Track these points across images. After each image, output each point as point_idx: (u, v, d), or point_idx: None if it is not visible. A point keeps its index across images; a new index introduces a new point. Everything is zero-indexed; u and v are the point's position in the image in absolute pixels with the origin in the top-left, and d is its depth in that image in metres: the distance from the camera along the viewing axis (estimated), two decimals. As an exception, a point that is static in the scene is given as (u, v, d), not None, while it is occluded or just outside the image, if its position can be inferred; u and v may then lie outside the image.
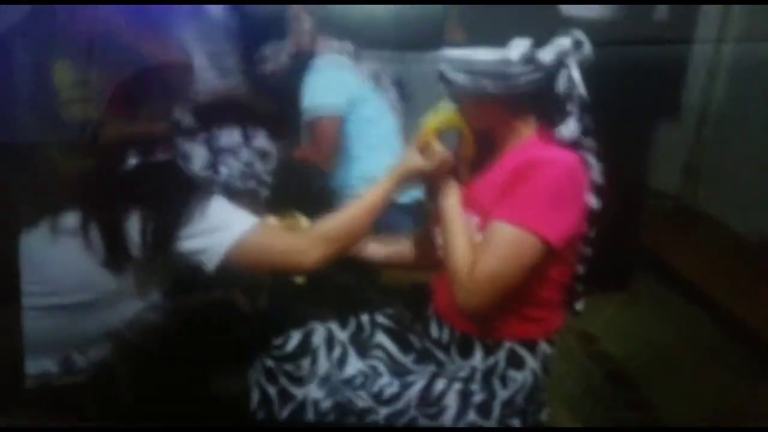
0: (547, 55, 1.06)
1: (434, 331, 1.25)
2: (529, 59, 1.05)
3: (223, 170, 1.20)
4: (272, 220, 1.35)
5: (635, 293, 2.61)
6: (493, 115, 1.15)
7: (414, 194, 1.93)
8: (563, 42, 1.07)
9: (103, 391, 1.11)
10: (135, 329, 1.12)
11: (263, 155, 1.23)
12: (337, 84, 2.02)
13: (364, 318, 1.31)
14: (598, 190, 1.12)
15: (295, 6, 1.98)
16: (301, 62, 2.04)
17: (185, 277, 1.15)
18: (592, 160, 1.11)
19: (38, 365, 1.11)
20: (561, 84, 1.08)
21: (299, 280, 1.35)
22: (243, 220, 1.10)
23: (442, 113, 1.19)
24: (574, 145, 1.09)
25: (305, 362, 1.20)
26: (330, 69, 2.04)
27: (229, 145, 1.19)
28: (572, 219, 1.07)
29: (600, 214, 1.13)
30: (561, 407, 1.86)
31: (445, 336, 1.22)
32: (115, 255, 1.04)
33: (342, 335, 1.26)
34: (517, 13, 1.08)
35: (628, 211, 2.45)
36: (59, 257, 1.07)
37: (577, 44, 1.08)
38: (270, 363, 1.20)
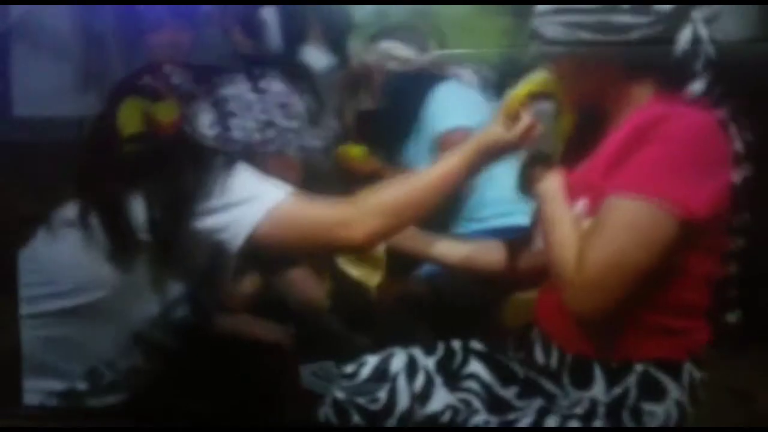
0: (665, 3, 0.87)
1: (539, 355, 1.01)
2: (643, 8, 0.86)
3: (235, 124, 1.04)
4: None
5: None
6: (598, 79, 0.94)
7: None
8: None
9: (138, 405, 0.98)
10: (160, 329, 0.98)
11: (282, 105, 1.07)
12: (467, 102, 1.80)
13: (455, 344, 1.10)
14: (742, 166, 0.87)
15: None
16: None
17: (210, 265, 1.02)
18: (732, 129, 0.87)
19: (62, 383, 1.00)
20: (683, 41, 0.87)
21: (372, 286, 1.17)
22: (273, 190, 0.95)
23: (535, 79, 1.00)
24: (706, 105, 0.87)
25: (381, 393, 1.00)
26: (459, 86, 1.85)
27: (236, 95, 1.04)
28: (712, 187, 0.83)
29: (748, 202, 0.88)
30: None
31: (554, 361, 0.98)
32: (121, 243, 0.93)
33: (427, 362, 1.05)
34: None
35: None
36: (63, 254, 0.97)
37: None
38: (340, 395, 1.01)
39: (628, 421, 0.90)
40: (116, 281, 0.97)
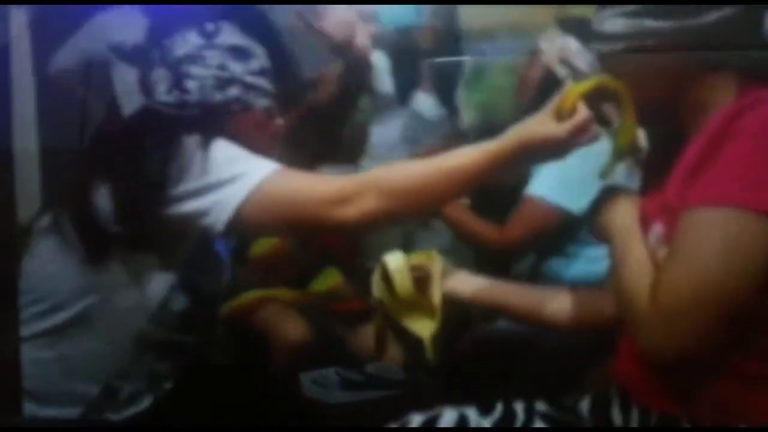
0: None
1: (616, 415, 0.84)
2: None
3: (191, 85, 0.93)
4: (398, 256, 1.01)
5: None
6: (668, 78, 0.80)
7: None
8: None
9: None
10: (163, 325, 0.93)
11: (238, 52, 0.95)
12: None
13: (518, 406, 0.95)
14: None
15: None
16: None
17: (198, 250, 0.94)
18: None
19: (79, 407, 0.94)
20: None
21: (426, 338, 1.02)
22: (257, 166, 0.87)
23: (594, 78, 0.88)
24: None
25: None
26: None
27: (187, 51, 0.94)
28: None
29: None
30: None
31: (635, 421, 0.81)
32: (94, 240, 0.88)
33: (482, 421, 0.91)
34: None
35: None
36: (44, 266, 0.94)
37: None
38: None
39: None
40: (102, 283, 0.92)
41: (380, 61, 2.01)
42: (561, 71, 1.39)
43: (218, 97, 0.95)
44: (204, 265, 1.02)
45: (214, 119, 0.94)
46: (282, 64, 1.02)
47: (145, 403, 0.99)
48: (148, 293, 0.95)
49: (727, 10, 0.75)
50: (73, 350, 0.94)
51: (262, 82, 0.99)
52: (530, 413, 0.93)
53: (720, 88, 0.78)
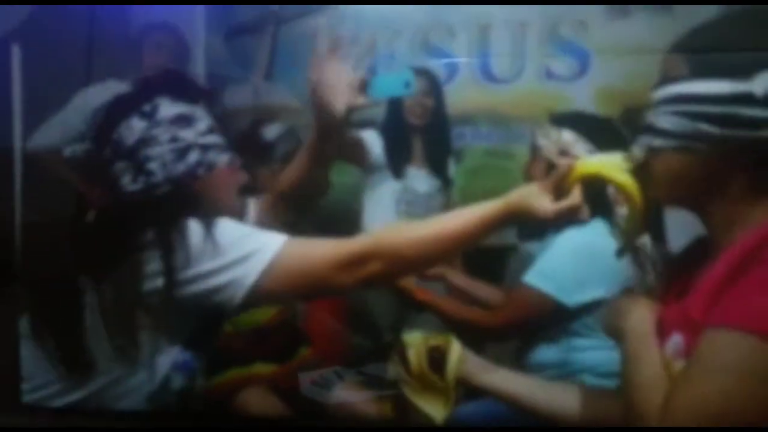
0: None
1: None
2: None
3: (153, 166, 0.95)
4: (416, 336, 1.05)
5: None
6: (707, 182, 0.76)
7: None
8: None
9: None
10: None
11: (181, 120, 0.97)
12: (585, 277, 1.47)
13: None
14: None
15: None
16: None
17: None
18: None
19: None
20: None
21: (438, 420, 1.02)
22: (266, 243, 0.91)
23: (607, 162, 0.86)
24: None
25: None
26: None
27: (137, 137, 0.95)
28: None
29: None
30: None
31: None
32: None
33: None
34: None
35: None
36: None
37: None
38: None
39: None
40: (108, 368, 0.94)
41: (370, 136, 1.99)
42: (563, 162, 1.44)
43: (181, 167, 0.98)
44: (206, 341, 1.04)
45: (187, 191, 0.98)
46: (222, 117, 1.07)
47: None
48: (153, 372, 0.97)
49: None
50: None
51: (215, 139, 1.02)
52: None
53: (760, 205, 0.74)
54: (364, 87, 1.61)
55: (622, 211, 1.44)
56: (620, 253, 0.91)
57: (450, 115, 2.26)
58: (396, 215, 2.01)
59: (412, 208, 2.02)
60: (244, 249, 0.90)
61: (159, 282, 0.90)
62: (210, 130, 1.02)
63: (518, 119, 2.81)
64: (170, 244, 0.90)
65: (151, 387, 0.96)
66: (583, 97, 2.80)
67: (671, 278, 0.87)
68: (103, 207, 0.99)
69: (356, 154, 1.96)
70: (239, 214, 1.07)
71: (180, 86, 1.03)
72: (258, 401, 1.37)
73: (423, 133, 2.03)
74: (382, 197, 2.03)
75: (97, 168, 1.00)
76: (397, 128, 1.98)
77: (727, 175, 0.74)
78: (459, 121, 2.73)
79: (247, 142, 1.79)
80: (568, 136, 1.43)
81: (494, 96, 2.78)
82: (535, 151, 1.50)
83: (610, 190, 1.43)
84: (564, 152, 1.42)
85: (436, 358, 1.05)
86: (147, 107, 0.99)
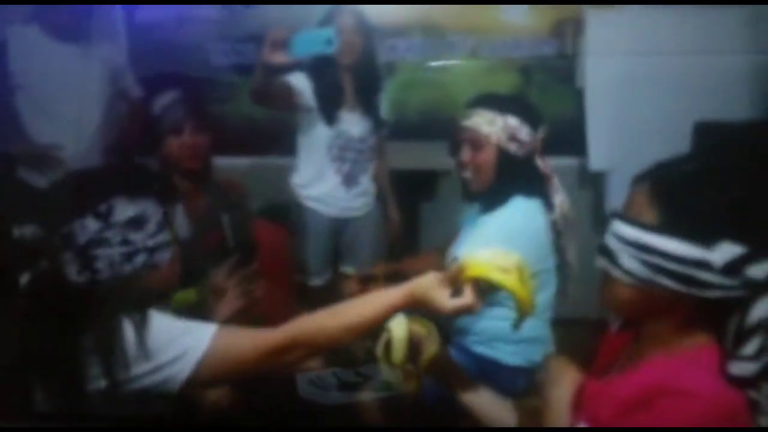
0: (759, 271, 0.78)
1: None
2: (735, 271, 0.78)
3: (100, 265, 0.99)
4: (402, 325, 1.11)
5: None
6: (650, 311, 0.87)
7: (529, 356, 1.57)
8: None
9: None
10: None
11: (134, 223, 1.02)
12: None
13: None
14: None
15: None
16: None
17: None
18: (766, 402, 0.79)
19: None
20: (761, 310, 0.79)
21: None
22: (197, 338, 0.99)
23: (489, 265, 0.98)
24: (743, 382, 0.79)
25: None
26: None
27: (89, 237, 0.99)
28: None
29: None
30: None
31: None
32: None
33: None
34: (735, 212, 0.81)
35: None
36: None
37: None
38: None
39: None
40: None
41: (299, 79, 1.89)
42: (512, 147, 1.45)
43: (127, 268, 1.01)
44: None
45: (127, 290, 1.01)
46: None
47: None
48: None
49: (728, 292, 0.79)
50: None
51: (162, 238, 1.06)
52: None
53: (686, 338, 0.85)
54: (285, 45, 1.54)
55: (556, 199, 1.50)
56: (515, 326, 1.03)
57: (382, 27, 2.21)
58: (330, 160, 2.00)
59: (345, 152, 2.00)
60: (176, 350, 0.98)
61: (101, 384, 0.96)
62: (159, 229, 1.04)
63: (452, 30, 2.75)
64: (110, 349, 0.95)
65: None
66: (516, 9, 2.75)
67: (603, 352, 1.00)
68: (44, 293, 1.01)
69: (286, 100, 1.88)
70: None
71: (137, 186, 1.05)
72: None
73: (353, 73, 1.95)
74: (316, 142, 1.98)
75: (45, 252, 1.01)
76: (326, 69, 1.89)
77: (667, 313, 0.85)
78: (392, 33, 2.63)
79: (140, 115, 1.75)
80: (513, 121, 1.44)
81: (427, 6, 2.69)
82: (460, 132, 1.49)
83: (541, 165, 1.49)
84: (513, 138, 1.44)
85: (414, 345, 1.12)
86: (103, 208, 1.00)
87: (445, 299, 0.99)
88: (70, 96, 2.05)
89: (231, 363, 1.01)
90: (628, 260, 0.83)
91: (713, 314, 0.82)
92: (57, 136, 2.00)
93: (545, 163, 1.51)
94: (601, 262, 0.87)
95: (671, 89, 2.27)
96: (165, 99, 1.63)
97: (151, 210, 1.05)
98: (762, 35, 2.26)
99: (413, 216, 2.57)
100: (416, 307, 1.03)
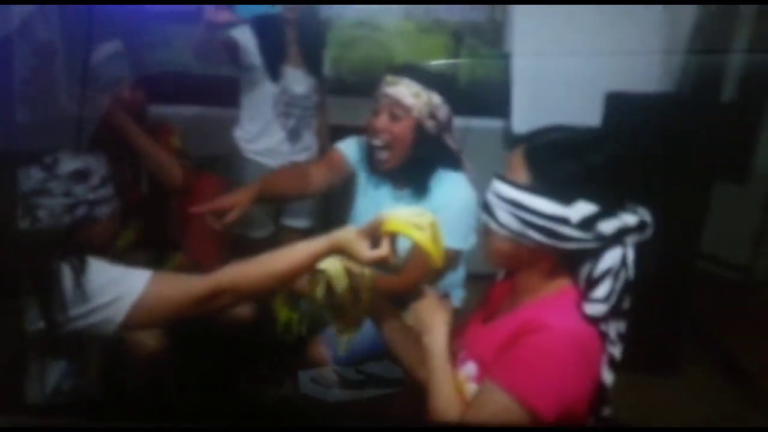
0: (607, 227, 0.92)
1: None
2: (589, 226, 0.92)
3: (41, 214, 1.03)
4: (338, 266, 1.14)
5: (683, 377, 2.37)
6: (521, 259, 1.00)
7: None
8: (629, 219, 0.94)
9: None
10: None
11: (78, 175, 1.07)
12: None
13: None
14: (616, 368, 0.97)
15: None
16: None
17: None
18: (614, 335, 0.96)
19: None
20: (610, 259, 0.94)
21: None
22: (131, 284, 1.02)
23: (405, 222, 1.05)
24: (596, 320, 0.94)
25: None
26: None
27: (33, 186, 1.03)
28: (572, 395, 0.92)
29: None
30: None
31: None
32: None
33: None
34: (591, 176, 0.94)
35: (683, 283, 2.25)
36: None
37: (641, 225, 0.95)
38: None
39: None
40: None
41: (244, 34, 1.91)
42: (429, 124, 1.46)
43: (67, 219, 1.06)
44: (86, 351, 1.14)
45: (66, 239, 1.06)
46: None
47: None
48: (47, 380, 1.08)
49: (584, 245, 0.93)
50: None
51: (104, 192, 1.11)
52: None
53: (551, 283, 0.99)
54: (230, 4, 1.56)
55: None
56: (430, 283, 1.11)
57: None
58: (275, 117, 2.03)
59: (290, 108, 2.04)
60: (111, 294, 1.00)
61: (39, 324, 0.99)
62: (102, 183, 1.07)
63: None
64: (47, 292, 0.97)
65: (44, 396, 1.06)
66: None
67: (490, 300, 1.12)
68: None
69: (230, 56, 1.90)
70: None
71: (83, 135, 1.09)
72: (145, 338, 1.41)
73: (296, 27, 1.98)
74: (261, 98, 2.02)
75: None
76: (271, 25, 1.90)
77: (538, 260, 0.99)
78: (331, -9, 2.67)
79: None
80: (436, 99, 1.45)
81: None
82: (380, 100, 1.48)
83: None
84: (433, 116, 1.45)
85: (352, 276, 1.16)
86: (49, 159, 1.02)
87: (364, 250, 1.06)
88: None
89: (163, 307, 1.04)
90: (504, 215, 0.96)
91: (572, 264, 0.97)
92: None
93: (454, 141, 1.53)
94: (483, 217, 1.00)
95: (588, 59, 2.43)
96: (103, 51, 1.62)
97: (95, 165, 1.09)
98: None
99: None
100: (336, 254, 1.08)
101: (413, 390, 1.13)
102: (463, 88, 2.86)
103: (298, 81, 2.03)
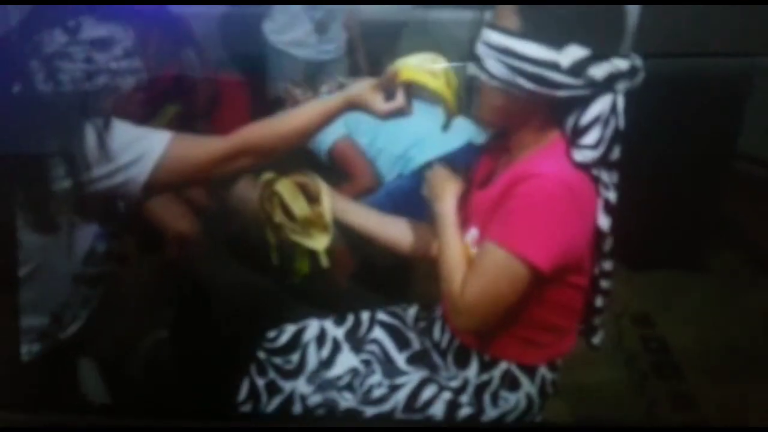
0: (598, 72, 0.92)
1: (436, 333, 1.20)
2: (579, 71, 0.92)
3: (63, 78, 1.05)
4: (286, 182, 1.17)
5: (709, 272, 2.36)
6: (512, 114, 1.01)
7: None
8: (620, 64, 0.93)
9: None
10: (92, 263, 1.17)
11: (101, 43, 1.07)
12: None
13: (364, 315, 1.27)
14: (611, 212, 0.99)
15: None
16: None
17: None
18: (607, 179, 0.98)
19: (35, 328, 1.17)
20: (600, 106, 0.94)
21: (320, 250, 1.19)
22: (153, 142, 1.05)
23: (421, 70, 1.05)
24: (586, 166, 0.96)
25: (294, 357, 1.19)
26: None
27: (55, 49, 1.04)
28: (566, 241, 0.96)
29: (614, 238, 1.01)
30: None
31: (445, 341, 1.17)
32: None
33: (336, 331, 1.23)
34: (583, 19, 0.93)
35: (704, 178, 2.22)
36: None
37: (633, 70, 0.94)
38: (262, 355, 1.20)
39: (488, 402, 1.10)
40: (42, 248, 1.09)
41: None
42: None
43: (88, 86, 1.06)
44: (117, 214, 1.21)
45: (90, 102, 1.06)
46: (149, 36, 1.13)
47: (81, 320, 1.24)
48: (79, 244, 1.14)
49: (574, 92, 0.93)
50: (30, 297, 1.13)
51: (127, 64, 1.10)
52: (372, 320, 1.26)
53: (543, 137, 1.01)
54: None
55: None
56: (444, 128, 1.12)
57: None
58: (303, 8, 2.08)
59: None
60: (135, 152, 1.03)
61: (66, 184, 1.01)
62: (126, 54, 1.07)
63: None
64: (72, 150, 0.99)
65: (80, 254, 1.15)
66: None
67: (481, 164, 1.15)
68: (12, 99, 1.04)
69: None
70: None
71: (111, 8, 1.06)
72: (170, 212, 1.41)
73: None
74: None
75: (17, 56, 1.04)
76: None
77: (530, 114, 1.00)
78: None
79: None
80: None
81: None
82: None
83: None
84: None
85: (310, 196, 1.18)
86: (71, 23, 1.02)
87: (379, 102, 1.08)
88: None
89: (185, 167, 1.07)
90: (494, 64, 0.95)
91: (563, 115, 0.97)
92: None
93: None
94: (471, 69, 0.99)
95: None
96: None
97: (121, 35, 1.08)
98: None
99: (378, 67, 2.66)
100: (352, 109, 1.10)
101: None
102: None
103: None
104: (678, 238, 2.28)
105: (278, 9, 2.11)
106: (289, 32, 2.13)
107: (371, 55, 2.40)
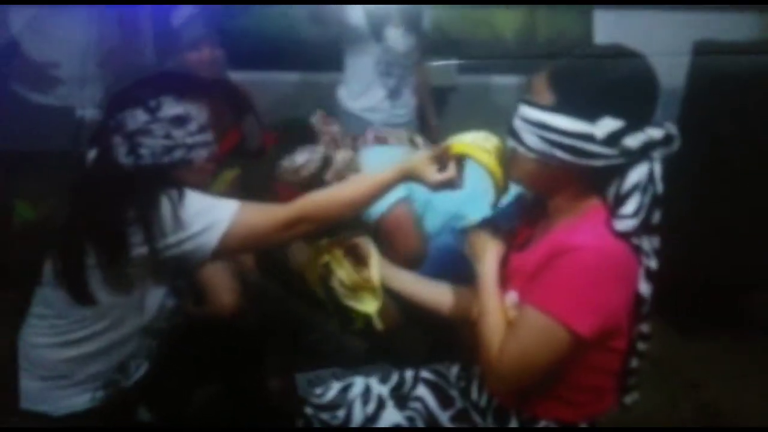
0: (634, 141, 0.96)
1: (474, 393, 1.23)
2: (614, 141, 0.96)
3: (144, 152, 1.15)
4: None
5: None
6: (550, 182, 1.05)
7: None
8: (655, 133, 0.97)
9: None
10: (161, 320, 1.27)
11: (178, 120, 1.17)
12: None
13: (408, 372, 1.32)
14: (652, 279, 1.02)
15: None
16: None
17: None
18: (649, 248, 1.01)
19: (100, 381, 1.27)
20: (637, 175, 0.98)
21: (372, 314, 1.25)
22: (221, 213, 1.14)
23: (481, 146, 1.12)
24: (627, 235, 0.99)
25: (340, 413, 1.24)
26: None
27: (137, 127, 1.15)
28: (607, 310, 0.98)
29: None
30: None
31: (484, 401, 1.20)
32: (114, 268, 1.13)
33: (381, 389, 1.28)
34: (615, 92, 0.97)
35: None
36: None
37: (668, 138, 0.98)
38: (309, 411, 1.25)
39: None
40: (117, 305, 1.20)
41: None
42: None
43: (166, 160, 1.18)
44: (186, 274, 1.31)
45: (166, 175, 1.18)
46: (219, 111, 1.26)
47: (143, 369, 1.33)
48: (150, 301, 1.25)
49: (612, 161, 0.98)
50: (100, 347, 1.24)
51: (201, 138, 1.21)
52: (416, 379, 1.30)
53: (579, 203, 1.05)
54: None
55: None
56: (494, 204, 1.18)
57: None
58: (377, 76, 2.20)
59: (392, 68, 2.21)
60: (204, 221, 1.12)
61: (142, 250, 1.11)
62: (200, 130, 1.19)
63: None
64: (149, 220, 1.09)
65: (151, 309, 1.25)
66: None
67: (520, 226, 1.19)
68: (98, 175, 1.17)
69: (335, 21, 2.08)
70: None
71: (187, 88, 1.19)
72: (218, 282, 1.45)
73: None
74: (364, 58, 2.19)
75: (101, 133, 1.18)
76: None
77: (568, 182, 1.04)
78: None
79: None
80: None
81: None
82: None
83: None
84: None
85: (359, 259, 1.25)
86: (153, 103, 1.15)
87: (432, 173, 1.16)
88: (66, 13, 2.03)
89: (251, 234, 1.16)
90: (530, 138, 1.00)
91: (600, 183, 1.01)
92: (54, 54, 2.01)
93: None
94: (510, 143, 1.05)
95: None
96: (182, 13, 1.73)
97: (195, 113, 1.19)
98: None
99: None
100: (407, 181, 1.19)
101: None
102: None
103: (399, 40, 2.17)
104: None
105: (354, 77, 2.23)
106: (363, 99, 2.24)
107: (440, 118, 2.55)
